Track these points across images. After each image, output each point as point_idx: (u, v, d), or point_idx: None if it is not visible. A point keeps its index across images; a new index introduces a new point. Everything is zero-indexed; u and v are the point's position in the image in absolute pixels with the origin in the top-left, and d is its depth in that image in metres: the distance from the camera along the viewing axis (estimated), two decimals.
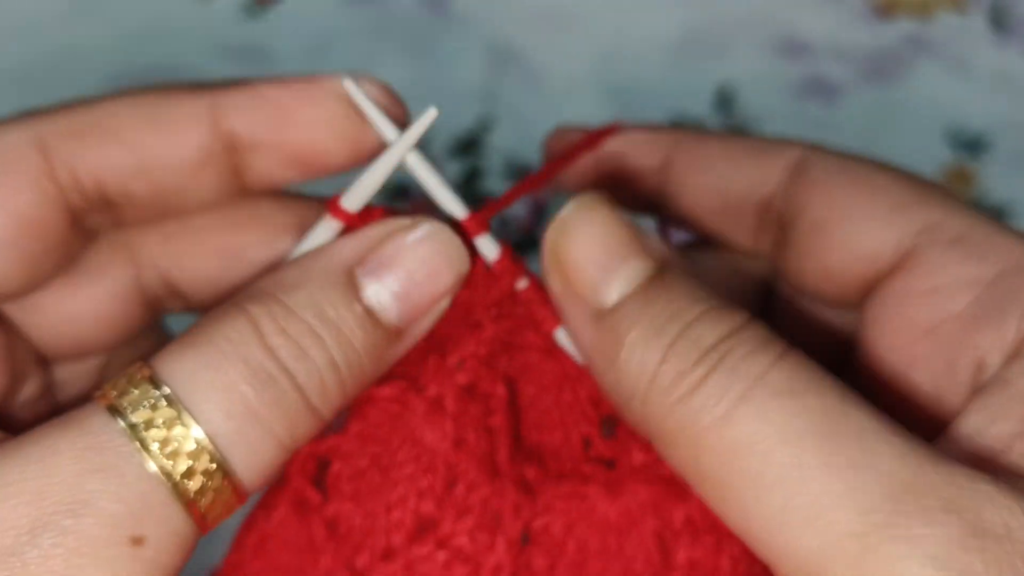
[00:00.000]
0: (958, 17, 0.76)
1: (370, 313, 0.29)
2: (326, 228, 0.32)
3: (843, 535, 0.24)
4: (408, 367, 0.32)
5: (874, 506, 0.24)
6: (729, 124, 0.71)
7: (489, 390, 0.32)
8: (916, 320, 0.31)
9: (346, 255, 0.30)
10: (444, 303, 0.31)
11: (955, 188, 0.71)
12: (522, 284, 0.32)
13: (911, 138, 0.71)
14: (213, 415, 0.27)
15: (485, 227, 0.32)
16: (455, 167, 0.68)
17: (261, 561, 0.32)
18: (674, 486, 0.30)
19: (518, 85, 0.72)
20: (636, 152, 0.40)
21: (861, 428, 0.25)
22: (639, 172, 0.39)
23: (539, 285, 0.32)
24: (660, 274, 0.28)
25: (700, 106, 0.71)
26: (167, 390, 0.27)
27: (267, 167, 0.32)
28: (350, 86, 0.33)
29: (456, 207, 0.32)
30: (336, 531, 0.31)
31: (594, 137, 0.38)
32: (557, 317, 0.31)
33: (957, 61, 0.74)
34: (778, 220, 0.35)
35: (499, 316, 0.32)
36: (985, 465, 0.25)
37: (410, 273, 0.30)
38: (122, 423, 0.26)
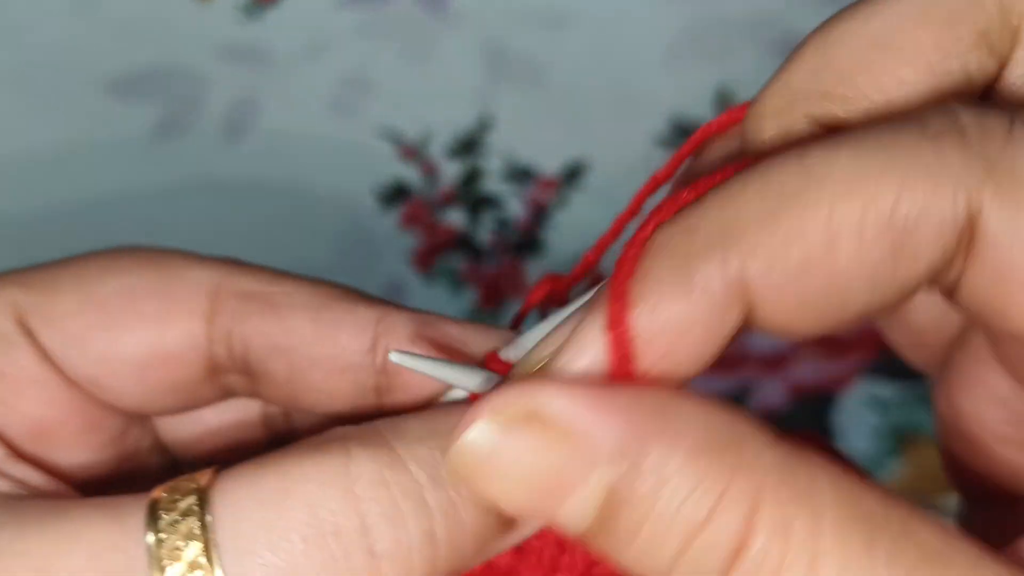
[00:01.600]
0: None
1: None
2: (473, 377, 0.27)
3: None
4: None
5: None
6: None
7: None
8: None
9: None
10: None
11: None
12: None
13: None
14: (245, 564, 0.23)
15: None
16: (454, 168, 0.68)
17: None
18: None
19: (517, 85, 0.72)
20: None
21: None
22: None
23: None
24: (614, 494, 0.21)
25: (699, 107, 0.71)
26: (209, 518, 0.23)
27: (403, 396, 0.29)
28: (400, 358, 0.27)
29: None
30: None
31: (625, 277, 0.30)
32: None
33: None
34: (951, 308, 0.26)
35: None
36: None
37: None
38: (151, 537, 0.24)
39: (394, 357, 0.25)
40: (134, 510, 0.24)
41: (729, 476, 0.20)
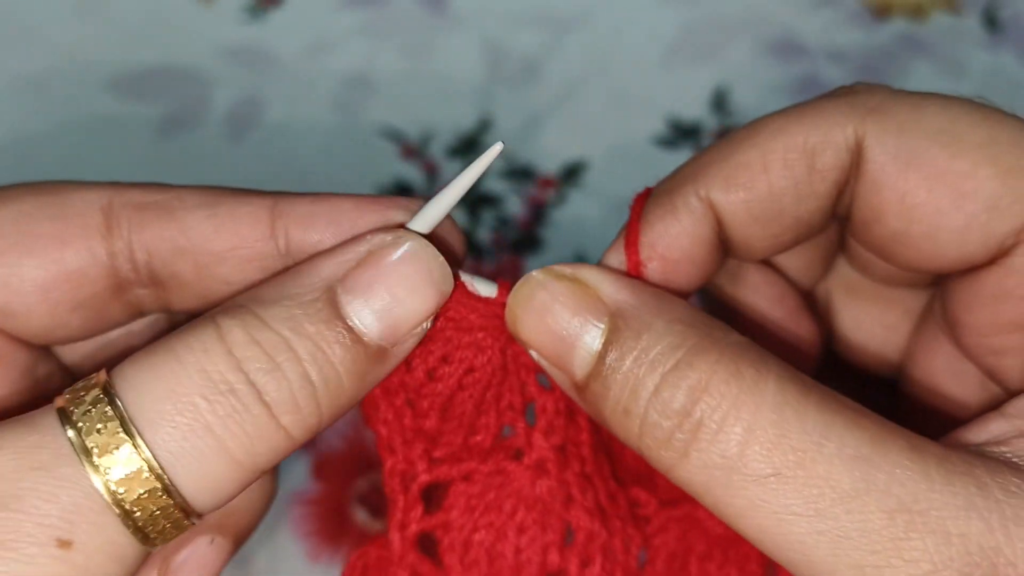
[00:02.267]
0: (952, 18, 0.76)
1: (350, 331, 0.28)
2: None
3: (852, 567, 0.25)
4: (485, 434, 0.34)
5: (874, 543, 0.25)
6: (724, 125, 0.71)
7: (575, 438, 0.33)
8: (1009, 318, 0.30)
9: (327, 272, 0.29)
10: (428, 323, 0.30)
11: None
12: None
13: None
14: (161, 429, 0.26)
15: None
16: (455, 167, 0.69)
17: None
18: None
19: (517, 85, 0.72)
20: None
21: (854, 456, 0.25)
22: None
23: None
24: (613, 332, 0.28)
25: (696, 107, 0.72)
26: (119, 403, 0.26)
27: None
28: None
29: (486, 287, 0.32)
30: None
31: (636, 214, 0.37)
32: None
33: (951, 62, 0.74)
34: (845, 215, 0.32)
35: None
36: None
37: (393, 292, 0.29)
38: (70, 431, 0.26)
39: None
40: (44, 415, 0.27)
41: (698, 339, 0.27)
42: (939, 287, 0.33)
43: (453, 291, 0.30)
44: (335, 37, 0.74)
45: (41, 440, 0.26)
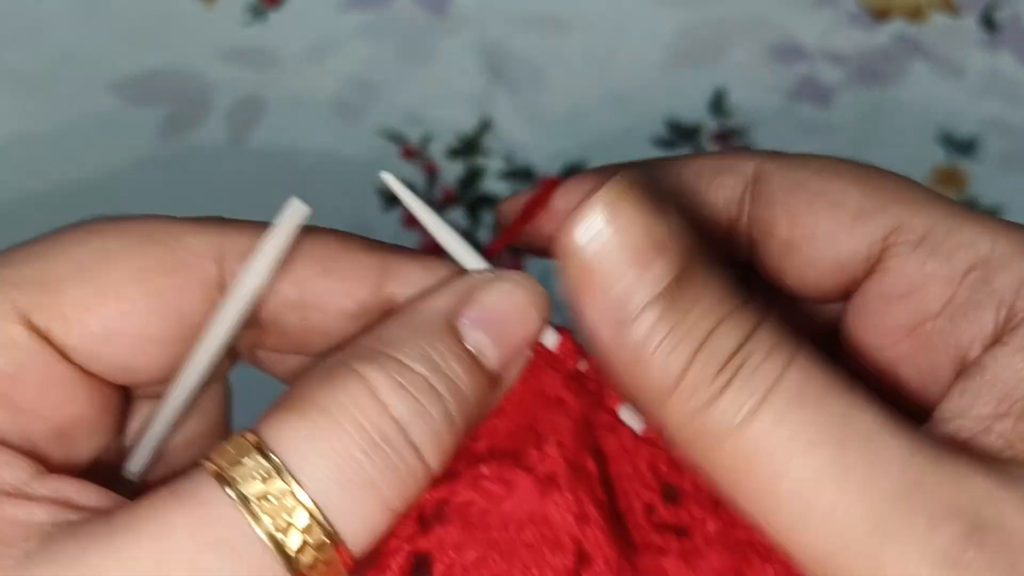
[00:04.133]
0: (950, 19, 0.76)
1: (475, 360, 0.29)
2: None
3: (856, 539, 0.25)
4: (495, 445, 0.31)
5: (883, 510, 0.25)
6: (724, 127, 0.72)
7: (583, 465, 0.31)
8: (897, 322, 0.31)
9: (442, 305, 0.30)
10: (529, 350, 0.31)
11: (947, 190, 0.72)
12: (583, 366, 0.32)
13: (904, 140, 0.71)
14: (325, 486, 0.26)
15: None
16: (455, 168, 0.69)
17: None
18: (753, 550, 0.30)
19: (516, 87, 0.73)
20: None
21: (869, 430, 0.26)
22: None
23: (598, 367, 0.32)
24: (681, 276, 0.27)
25: (695, 109, 0.72)
26: (276, 461, 0.26)
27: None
28: (388, 178, 0.33)
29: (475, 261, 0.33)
30: None
31: (540, 196, 0.38)
32: (620, 396, 0.31)
33: (949, 63, 0.75)
34: (748, 237, 0.35)
35: (578, 392, 0.32)
36: (966, 446, 0.27)
37: (505, 318, 0.30)
38: (232, 494, 0.26)
39: (385, 177, 0.32)
40: (201, 483, 0.26)
41: (745, 299, 0.28)
42: (841, 319, 0.35)
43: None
44: (336, 38, 0.74)
45: (209, 514, 0.26)
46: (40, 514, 0.26)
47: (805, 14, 0.76)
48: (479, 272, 0.32)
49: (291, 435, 0.27)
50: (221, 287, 0.31)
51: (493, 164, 0.69)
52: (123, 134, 0.69)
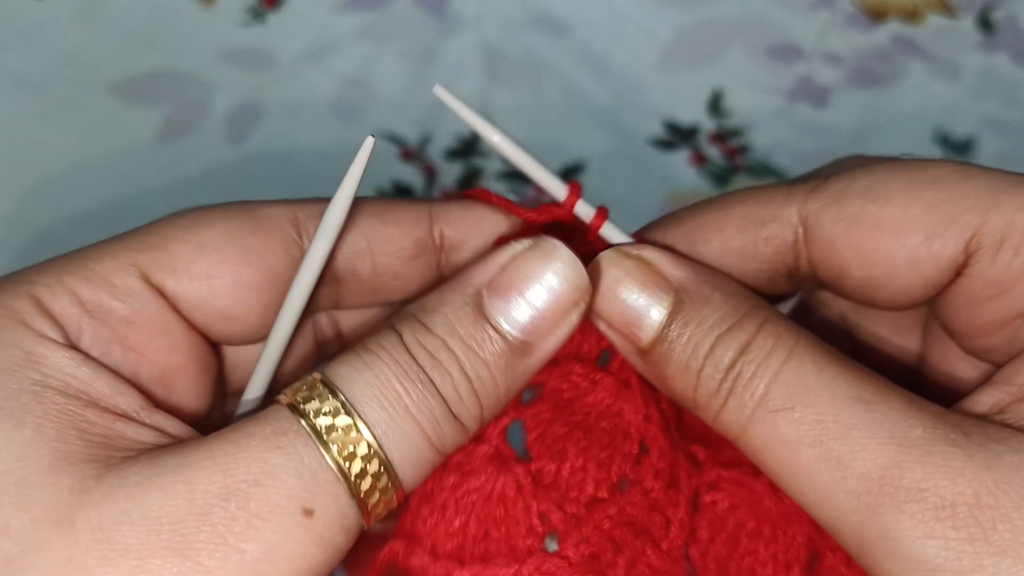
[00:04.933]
0: (947, 20, 0.77)
1: (496, 329, 0.33)
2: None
3: (845, 514, 0.30)
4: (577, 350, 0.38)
5: (859, 491, 0.29)
6: (721, 127, 0.72)
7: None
8: (987, 320, 0.34)
9: (476, 279, 0.34)
10: (573, 317, 0.34)
11: None
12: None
13: (900, 140, 0.71)
14: (373, 411, 0.31)
15: (578, 194, 0.37)
16: (455, 168, 0.69)
17: (460, 512, 0.36)
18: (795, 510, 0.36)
19: (516, 87, 0.73)
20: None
21: (858, 399, 0.30)
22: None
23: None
24: (678, 305, 0.33)
25: (693, 109, 0.72)
26: (343, 397, 0.31)
27: (459, 261, 0.39)
28: (441, 92, 0.36)
29: (551, 183, 0.36)
30: (540, 482, 0.36)
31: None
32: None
33: (946, 64, 0.75)
34: (812, 279, 0.37)
35: None
36: (1001, 411, 0.31)
37: (529, 290, 0.33)
38: (304, 423, 0.31)
39: (437, 91, 0.35)
40: (274, 411, 0.31)
41: (748, 308, 0.33)
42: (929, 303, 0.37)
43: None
44: (335, 39, 0.74)
45: (279, 428, 0.30)
46: (146, 435, 0.31)
47: (802, 15, 0.76)
48: (519, 243, 0.35)
49: (348, 371, 0.32)
50: (299, 246, 0.36)
51: (491, 165, 0.69)
52: (122, 135, 0.69)
